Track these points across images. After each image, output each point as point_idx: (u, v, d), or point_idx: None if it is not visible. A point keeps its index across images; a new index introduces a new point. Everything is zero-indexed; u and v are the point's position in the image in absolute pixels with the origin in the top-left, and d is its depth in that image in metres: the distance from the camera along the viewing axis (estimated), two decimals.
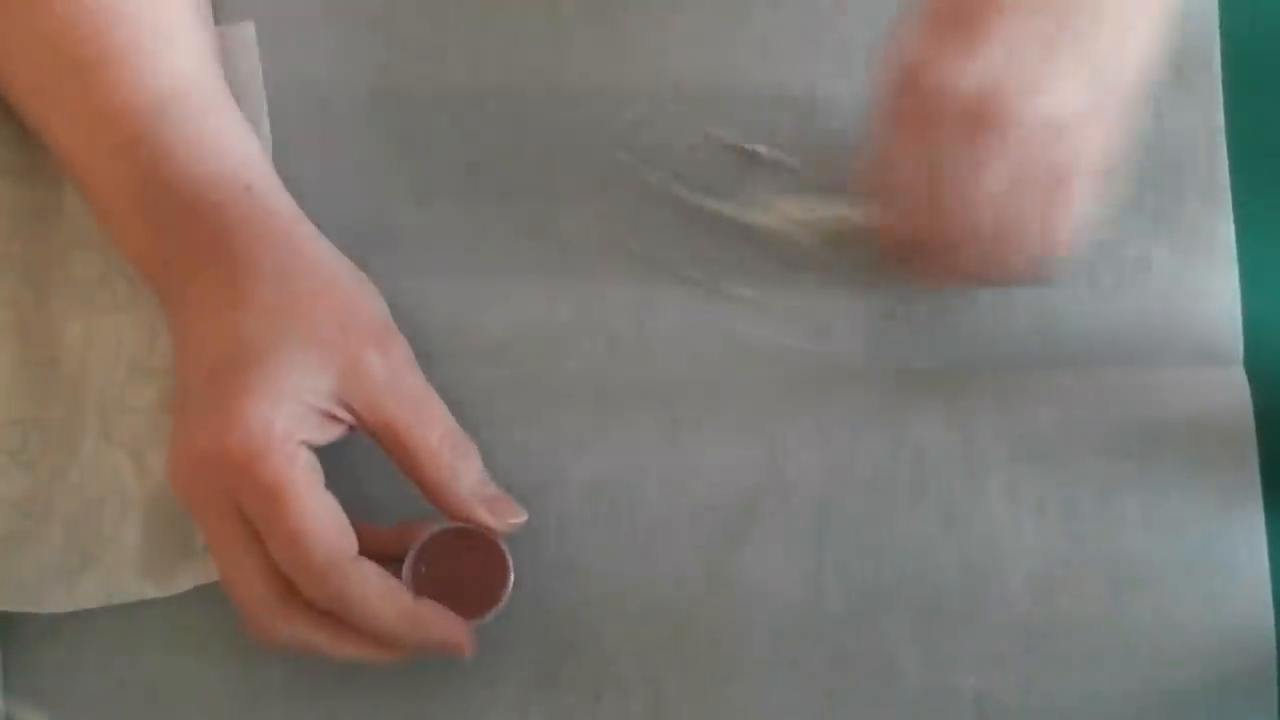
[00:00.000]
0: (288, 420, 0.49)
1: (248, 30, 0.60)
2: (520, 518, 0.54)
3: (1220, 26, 0.59)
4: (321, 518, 0.49)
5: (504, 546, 0.53)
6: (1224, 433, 0.57)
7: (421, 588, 0.52)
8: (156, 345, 0.58)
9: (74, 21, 0.53)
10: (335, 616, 0.50)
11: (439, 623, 0.52)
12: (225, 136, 0.55)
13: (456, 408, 0.54)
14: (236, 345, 0.50)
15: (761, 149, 0.59)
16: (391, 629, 0.51)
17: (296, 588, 0.50)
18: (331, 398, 0.51)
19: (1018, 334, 0.58)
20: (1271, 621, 0.55)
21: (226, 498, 0.50)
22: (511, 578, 0.53)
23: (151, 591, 0.56)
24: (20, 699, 0.56)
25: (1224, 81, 0.59)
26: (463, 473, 0.53)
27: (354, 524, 0.51)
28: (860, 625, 0.56)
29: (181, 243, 0.53)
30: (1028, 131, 0.47)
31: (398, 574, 0.52)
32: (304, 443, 0.50)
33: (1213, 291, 0.58)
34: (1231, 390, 0.57)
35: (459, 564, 0.53)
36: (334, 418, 0.51)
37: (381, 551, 0.52)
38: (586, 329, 0.58)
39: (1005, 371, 0.58)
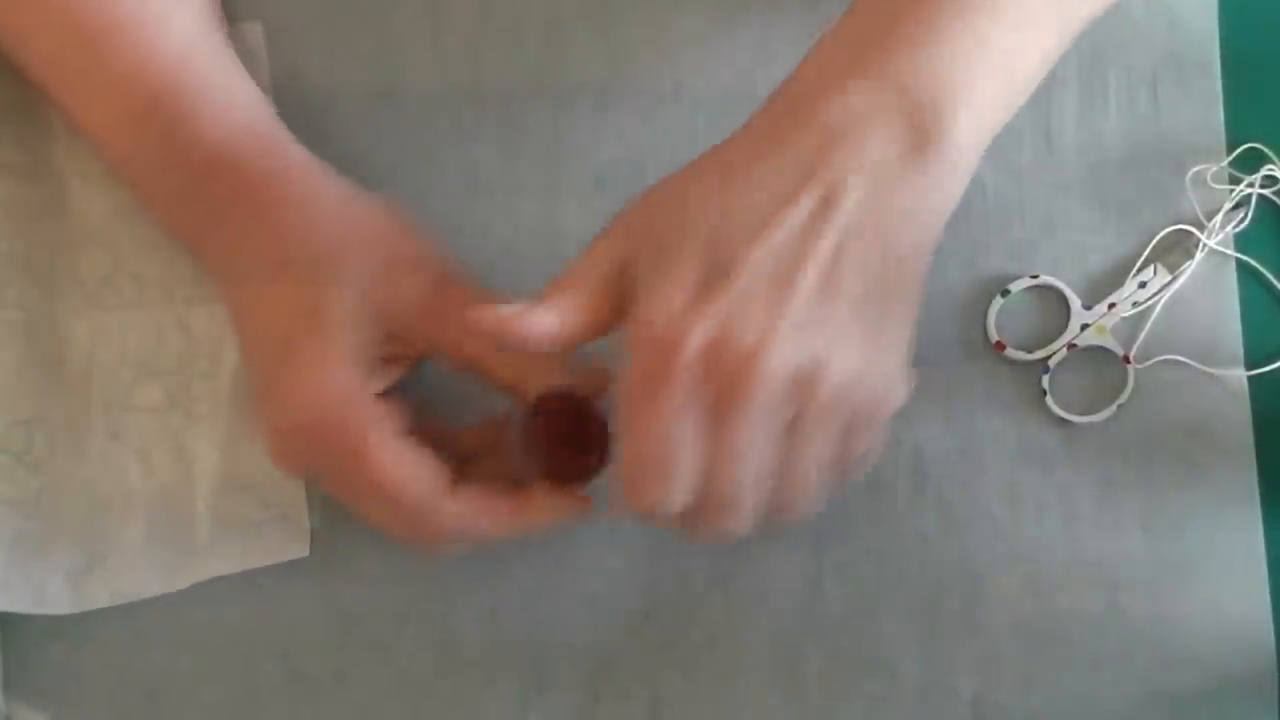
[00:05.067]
0: (352, 381, 0.50)
1: (255, 31, 0.59)
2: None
3: (1220, 26, 0.59)
4: (403, 467, 0.50)
5: (598, 405, 0.52)
6: (1222, 435, 0.57)
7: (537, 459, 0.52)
8: (163, 345, 0.58)
9: None
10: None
11: (549, 507, 0.52)
12: (235, 94, 0.55)
13: (456, 403, 0.54)
14: (292, 316, 0.51)
15: None
16: (508, 534, 0.52)
17: (394, 534, 0.52)
18: (388, 340, 0.51)
19: None
20: (1270, 623, 0.55)
21: (322, 458, 0.51)
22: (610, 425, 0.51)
23: (156, 589, 0.56)
24: (20, 699, 0.56)
25: (1224, 81, 0.59)
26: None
27: (446, 432, 0.52)
28: (859, 626, 0.56)
29: (209, 207, 0.53)
30: (768, 386, 0.42)
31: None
32: (376, 394, 0.51)
33: (1213, 293, 0.58)
34: (1230, 392, 0.57)
35: (563, 427, 0.52)
36: (396, 358, 0.52)
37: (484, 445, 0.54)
38: None
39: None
